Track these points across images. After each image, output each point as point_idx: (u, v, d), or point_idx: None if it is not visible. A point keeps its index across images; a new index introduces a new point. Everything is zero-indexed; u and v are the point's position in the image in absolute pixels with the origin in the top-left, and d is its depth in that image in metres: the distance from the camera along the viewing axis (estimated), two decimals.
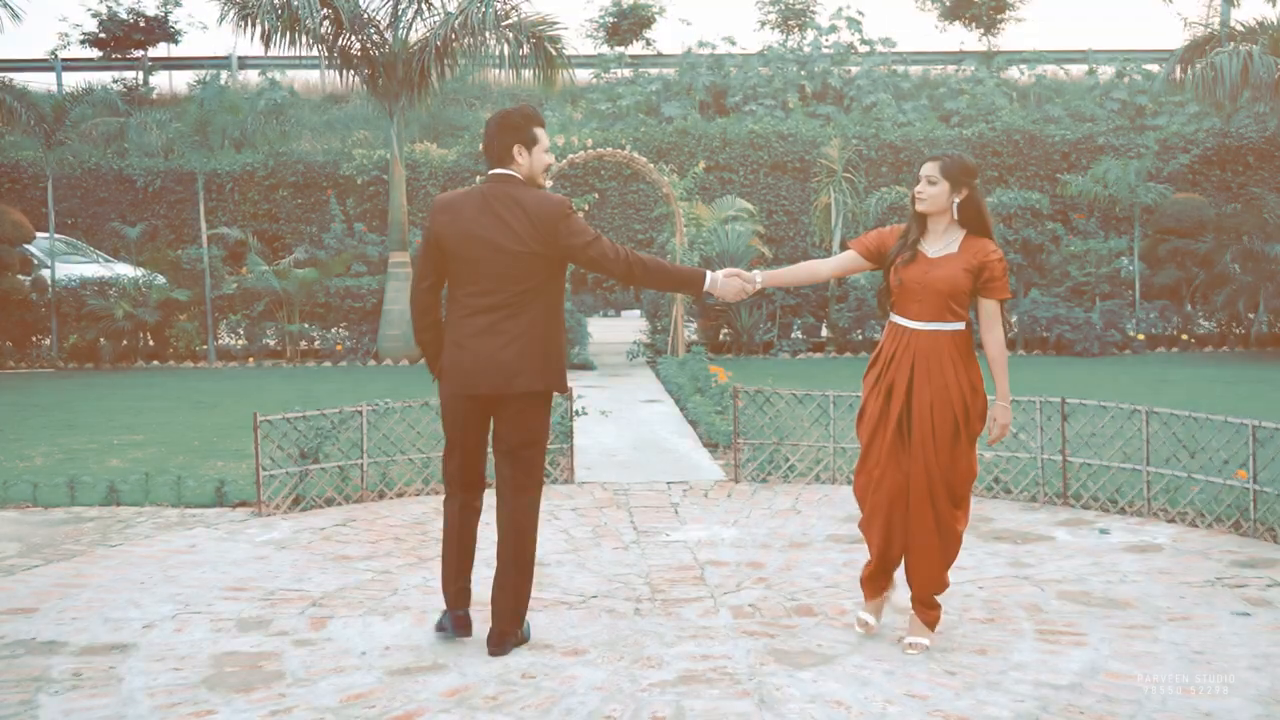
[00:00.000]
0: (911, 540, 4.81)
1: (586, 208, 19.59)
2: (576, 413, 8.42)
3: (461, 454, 4.97)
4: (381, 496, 7.71)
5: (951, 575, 5.79)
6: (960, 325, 4.77)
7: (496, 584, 4.90)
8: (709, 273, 4.96)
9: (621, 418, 11.00)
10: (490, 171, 4.91)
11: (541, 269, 4.79)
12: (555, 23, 16.30)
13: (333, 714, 4.21)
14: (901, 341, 4.80)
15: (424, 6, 16.28)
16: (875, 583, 5.00)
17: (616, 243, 4.92)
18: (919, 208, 4.80)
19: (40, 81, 27.35)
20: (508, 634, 4.85)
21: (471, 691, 4.42)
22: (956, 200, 4.77)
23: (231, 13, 15.84)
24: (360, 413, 7.68)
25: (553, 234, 4.75)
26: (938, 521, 4.78)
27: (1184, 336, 17.20)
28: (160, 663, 4.74)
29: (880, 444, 4.81)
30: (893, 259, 4.84)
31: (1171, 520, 6.81)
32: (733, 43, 27.54)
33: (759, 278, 5.09)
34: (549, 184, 5.06)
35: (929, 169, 4.79)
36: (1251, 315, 17.04)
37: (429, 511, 7.36)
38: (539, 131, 4.90)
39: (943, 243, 4.80)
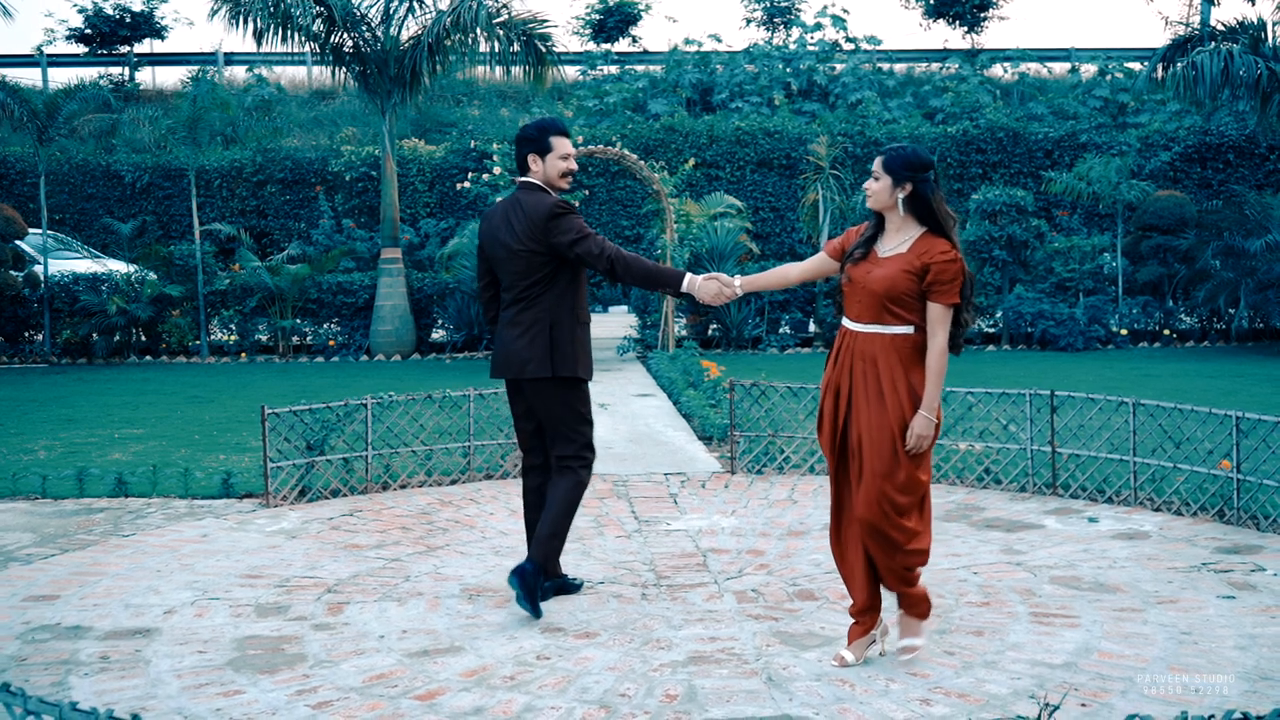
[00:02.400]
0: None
1: (576, 204, 19.74)
2: None
3: (516, 428, 5.54)
4: (385, 488, 7.86)
5: (946, 561, 6.00)
6: (904, 329, 4.55)
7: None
8: (689, 274, 5.20)
9: (616, 411, 11.17)
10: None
11: (541, 265, 5.21)
12: (545, 20, 16.47)
13: (357, 694, 4.36)
14: (845, 343, 4.66)
15: (415, 4, 16.40)
16: (860, 622, 4.68)
17: (606, 241, 5.20)
18: (867, 203, 4.71)
19: (25, 77, 27.34)
20: (526, 571, 5.16)
21: (489, 672, 4.58)
22: (901, 196, 4.56)
23: (223, 9, 15.94)
24: (365, 405, 7.82)
25: (543, 232, 5.17)
26: (875, 533, 4.55)
27: (1166, 331, 17.45)
28: (184, 646, 4.89)
29: (833, 454, 4.69)
30: (848, 257, 4.71)
31: (1158, 509, 7.01)
32: (719, 40, 27.73)
33: (738, 283, 5.09)
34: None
35: (875, 163, 4.64)
36: (1232, 310, 17.31)
37: (433, 502, 7.51)
38: (553, 140, 5.31)
39: (896, 241, 4.61)
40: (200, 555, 6.31)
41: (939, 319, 4.53)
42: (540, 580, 5.23)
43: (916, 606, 4.70)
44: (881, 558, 4.60)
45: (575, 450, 5.33)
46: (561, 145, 5.31)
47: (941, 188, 4.64)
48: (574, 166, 5.39)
